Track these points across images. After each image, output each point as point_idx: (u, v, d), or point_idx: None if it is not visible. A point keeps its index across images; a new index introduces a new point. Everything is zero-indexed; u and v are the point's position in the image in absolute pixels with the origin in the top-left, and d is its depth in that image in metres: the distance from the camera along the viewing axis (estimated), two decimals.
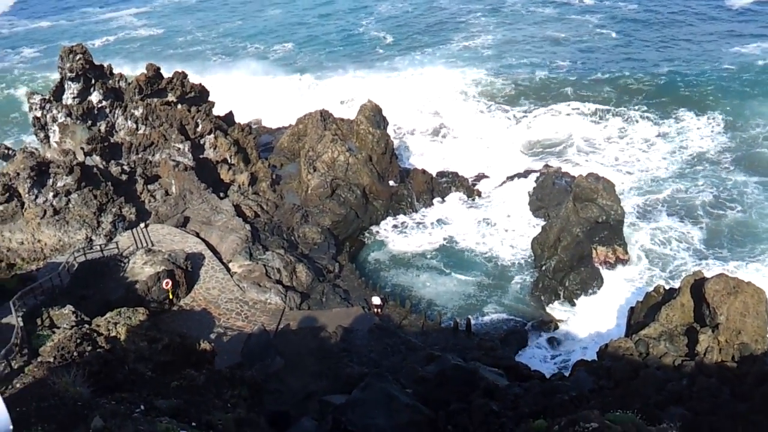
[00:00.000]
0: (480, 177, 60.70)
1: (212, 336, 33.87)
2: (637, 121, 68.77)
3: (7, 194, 41.89)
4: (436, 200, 56.92)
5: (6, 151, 48.56)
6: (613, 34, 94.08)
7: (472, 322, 40.34)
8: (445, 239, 51.60)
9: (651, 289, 36.62)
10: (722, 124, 66.33)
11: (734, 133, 64.78)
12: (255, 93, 75.39)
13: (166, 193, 49.04)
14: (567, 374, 31.65)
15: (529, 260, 48.07)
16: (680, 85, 76.12)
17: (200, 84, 57.05)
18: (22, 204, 42.46)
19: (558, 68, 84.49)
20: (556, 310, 43.88)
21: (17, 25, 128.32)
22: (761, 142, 62.85)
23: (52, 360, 17.81)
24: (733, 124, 66.42)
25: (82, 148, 48.43)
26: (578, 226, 46.46)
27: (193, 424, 16.00)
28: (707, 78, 76.85)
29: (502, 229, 52.34)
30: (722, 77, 76.54)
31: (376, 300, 40.06)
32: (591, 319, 42.45)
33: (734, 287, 29.27)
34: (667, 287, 35.54)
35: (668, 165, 60.84)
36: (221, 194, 50.77)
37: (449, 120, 70.68)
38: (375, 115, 57.05)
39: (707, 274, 32.10)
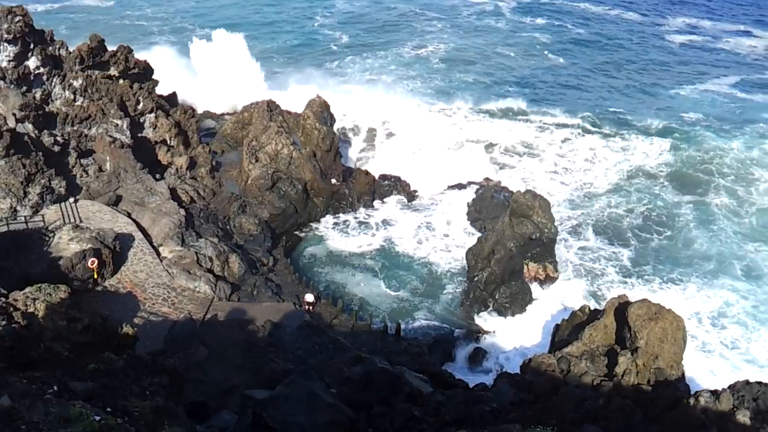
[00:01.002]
0: (421, 183, 61.07)
1: (136, 320, 32.94)
2: (582, 135, 71.45)
3: None
4: (377, 202, 57.01)
5: None
6: (561, 60, 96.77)
7: (402, 326, 40.54)
8: (383, 241, 51.77)
9: (577, 308, 37.58)
10: (665, 147, 69.38)
11: (675, 156, 67.66)
12: (201, 76, 73.66)
13: (100, 170, 47.38)
14: (490, 385, 32.09)
15: (463, 270, 48.63)
16: (625, 109, 79.26)
17: (145, 60, 55.57)
18: None
19: (506, 83, 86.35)
20: (484, 321, 44.55)
21: None
22: (699, 166, 65.77)
23: None
24: (675, 147, 69.51)
25: (14, 114, 46.30)
26: (512, 240, 47.32)
27: (108, 409, 15.45)
28: (654, 105, 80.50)
29: (440, 235, 52.89)
30: (670, 106, 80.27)
31: (308, 297, 39.77)
32: (517, 332, 43.28)
33: (655, 313, 30.33)
34: (592, 307, 36.54)
35: (606, 179, 63.23)
36: (157, 176, 49.38)
37: (394, 125, 70.97)
38: (323, 111, 56.74)
39: (631, 294, 33.24)
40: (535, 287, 47.47)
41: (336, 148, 56.54)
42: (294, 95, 65.97)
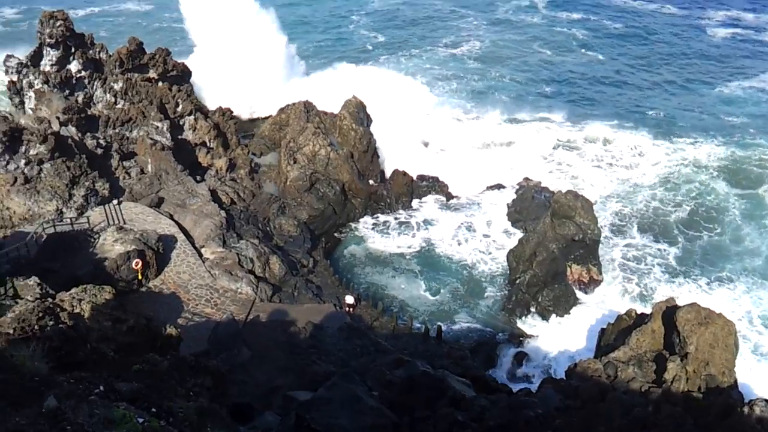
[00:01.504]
0: (459, 183, 60.36)
1: (179, 321, 33.11)
2: (624, 132, 69.85)
3: None
4: (415, 202, 56.58)
5: None
6: (599, 56, 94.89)
7: (443, 329, 40.04)
8: (423, 242, 51.27)
9: (623, 311, 36.68)
10: (712, 143, 67.34)
11: (724, 152, 65.44)
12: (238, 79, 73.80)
13: (142, 172, 47.96)
14: (534, 390, 31.45)
15: (504, 272, 47.89)
16: (668, 106, 77.42)
17: (183, 63, 56.17)
18: None
19: (543, 81, 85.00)
20: (527, 324, 43.75)
21: None
22: (748, 162, 63.80)
23: (11, 332, 17.00)
24: (723, 143, 67.36)
25: (57, 118, 47.18)
26: (554, 242, 46.44)
27: (153, 410, 15.39)
28: (697, 101, 78.43)
29: (480, 236, 52.19)
30: (714, 102, 78.31)
31: (349, 299, 39.57)
32: (561, 337, 42.40)
33: (705, 318, 29.40)
34: (639, 311, 35.60)
35: (650, 175, 61.72)
36: (198, 178, 49.80)
37: (431, 126, 70.28)
38: (359, 112, 56.62)
39: (679, 292, 32.43)
40: (578, 290, 46.49)
41: (373, 149, 56.33)
42: (330, 95, 65.73)
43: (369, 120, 58.15)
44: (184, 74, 55.61)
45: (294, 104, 59.62)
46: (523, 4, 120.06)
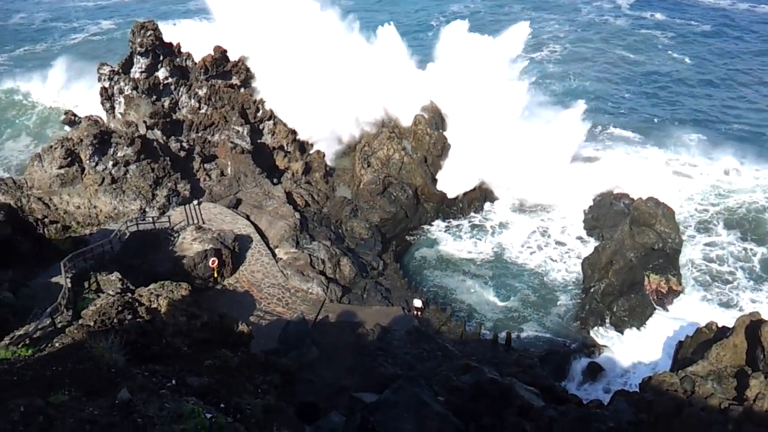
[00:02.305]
0: (535, 188, 59.17)
1: (251, 319, 34.00)
2: (712, 134, 66.60)
3: (69, 159, 43.01)
4: (487, 205, 56.03)
5: (73, 118, 49.95)
6: (686, 59, 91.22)
7: (513, 336, 39.46)
8: (494, 247, 50.69)
9: (703, 324, 35.17)
10: None
11: None
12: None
13: (222, 174, 49.60)
14: (605, 402, 30.57)
15: (578, 280, 46.77)
16: (759, 107, 73.49)
17: None
18: (83, 170, 43.52)
19: (626, 84, 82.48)
20: (600, 335, 42.51)
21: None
22: None
23: (92, 324, 17.95)
24: None
25: (144, 122, 49.41)
26: (633, 250, 45.04)
27: (222, 405, 15.87)
28: None
29: (554, 243, 51.14)
30: None
31: (417, 303, 39.60)
32: (636, 348, 40.98)
33: None
34: (720, 324, 34.03)
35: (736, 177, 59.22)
36: (275, 180, 51.14)
37: (505, 130, 69.03)
38: (434, 117, 56.53)
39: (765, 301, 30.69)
40: (656, 300, 44.82)
41: (447, 154, 56.11)
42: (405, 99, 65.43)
43: (444, 124, 57.96)
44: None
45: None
46: (606, 6, 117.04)
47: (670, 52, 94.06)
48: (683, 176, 60.57)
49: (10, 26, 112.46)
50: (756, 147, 65.08)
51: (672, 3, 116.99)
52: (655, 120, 72.49)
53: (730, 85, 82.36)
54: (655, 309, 44.18)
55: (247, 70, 55.63)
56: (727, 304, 44.41)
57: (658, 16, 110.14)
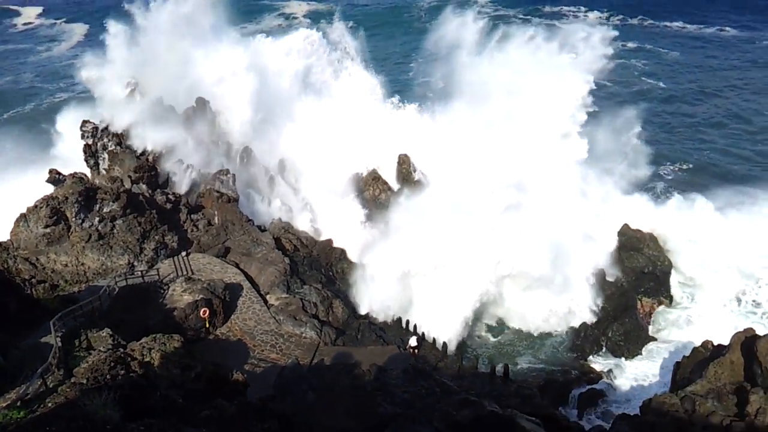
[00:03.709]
0: None
1: (246, 367, 33.62)
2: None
3: (55, 217, 42.83)
4: None
5: (57, 176, 49.96)
6: (661, 84, 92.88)
7: (510, 368, 39.22)
8: None
9: (698, 343, 35.25)
10: None
11: None
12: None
13: (209, 224, 49.56)
14: (607, 427, 30.39)
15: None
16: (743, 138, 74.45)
17: None
18: (69, 227, 43.34)
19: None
20: (597, 361, 42.45)
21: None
22: None
23: (85, 382, 17.75)
24: None
25: (129, 176, 49.50)
26: (623, 275, 45.29)
27: None
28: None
29: None
30: None
31: (412, 341, 39.35)
32: (634, 372, 40.97)
33: None
34: (715, 342, 34.14)
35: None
36: (262, 227, 51.10)
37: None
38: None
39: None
40: (650, 323, 44.94)
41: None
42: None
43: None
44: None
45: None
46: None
47: (644, 77, 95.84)
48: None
49: None
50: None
51: (640, 32, 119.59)
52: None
53: (708, 111, 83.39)
54: (649, 332, 44.26)
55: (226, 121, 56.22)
56: (720, 322, 44.54)
57: (629, 44, 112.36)
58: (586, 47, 58.12)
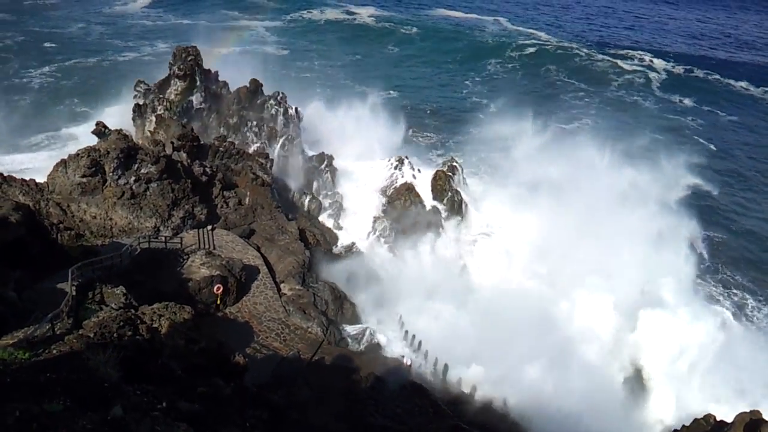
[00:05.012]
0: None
1: (248, 350, 33.86)
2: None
3: (93, 169, 43.69)
4: None
5: (102, 129, 50.97)
6: (712, 147, 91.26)
7: (506, 402, 38.83)
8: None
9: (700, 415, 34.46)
10: None
11: None
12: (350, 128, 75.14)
13: (239, 203, 50.11)
14: None
15: None
16: None
17: (296, 107, 58.68)
18: (104, 181, 44.17)
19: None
20: None
21: (159, 20, 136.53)
22: None
23: (92, 335, 18.06)
24: None
25: (172, 143, 50.28)
26: None
27: None
28: None
29: None
30: None
31: (407, 360, 39.24)
32: None
33: None
34: (718, 417, 33.32)
35: None
36: (290, 216, 51.51)
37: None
38: (454, 174, 57.50)
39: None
40: (651, 385, 44.09)
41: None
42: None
43: (465, 181, 58.96)
44: (296, 118, 58.22)
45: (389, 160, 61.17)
46: (638, 81, 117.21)
47: (697, 137, 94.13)
48: None
49: (66, 35, 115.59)
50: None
51: (702, 87, 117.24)
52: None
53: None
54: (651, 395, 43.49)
55: (279, 104, 56.75)
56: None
57: (686, 101, 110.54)
58: None
